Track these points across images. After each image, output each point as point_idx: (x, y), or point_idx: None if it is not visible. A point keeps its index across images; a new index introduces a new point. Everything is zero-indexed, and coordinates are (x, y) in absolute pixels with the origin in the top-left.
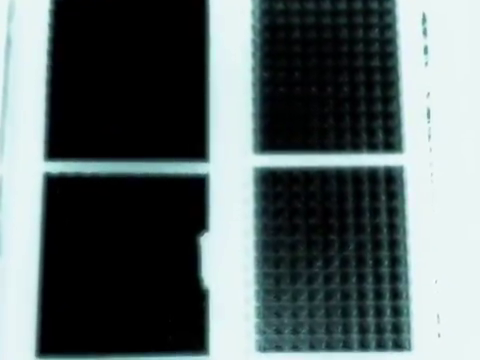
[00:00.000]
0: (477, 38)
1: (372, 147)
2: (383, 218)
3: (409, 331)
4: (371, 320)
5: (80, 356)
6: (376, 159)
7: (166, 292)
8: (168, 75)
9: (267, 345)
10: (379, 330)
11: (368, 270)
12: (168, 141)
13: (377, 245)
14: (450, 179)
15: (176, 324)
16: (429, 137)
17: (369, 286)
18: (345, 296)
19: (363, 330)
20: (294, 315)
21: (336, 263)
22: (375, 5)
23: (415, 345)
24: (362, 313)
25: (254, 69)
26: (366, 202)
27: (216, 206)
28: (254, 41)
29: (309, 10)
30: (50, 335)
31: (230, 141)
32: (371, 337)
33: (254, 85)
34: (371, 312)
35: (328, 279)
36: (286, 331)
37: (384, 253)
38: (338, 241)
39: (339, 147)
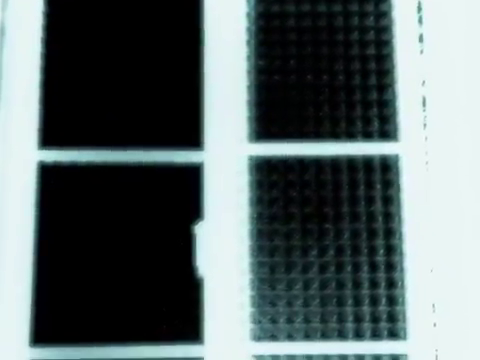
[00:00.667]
0: (472, 26)
1: (367, 135)
2: (378, 207)
3: (404, 320)
4: (366, 309)
5: (74, 346)
6: (371, 147)
7: (160, 281)
8: (163, 63)
9: (262, 334)
10: (374, 319)
11: (363, 259)
12: (163, 130)
13: (372, 234)
14: (445, 168)
15: (170, 313)
16: (424, 125)
17: (364, 275)
18: (340, 285)
19: (358, 319)
20: (289, 304)
21: (331, 252)
22: None
23: (410, 334)
24: (357, 302)
25: (249, 57)
26: (361, 191)
27: (211, 195)
28: (249, 29)
29: None
30: (44, 324)
31: (225, 130)
32: (366, 326)
33: (249, 73)
34: (366, 301)
35: (323, 268)
36: (281, 320)
37: (379, 242)
38: (333, 230)
39: (334, 135)
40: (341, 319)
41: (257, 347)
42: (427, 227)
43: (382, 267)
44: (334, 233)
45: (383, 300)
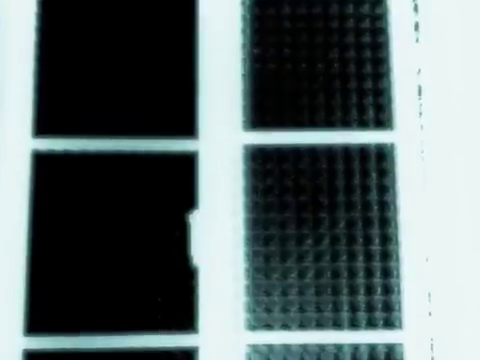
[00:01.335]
0: (468, 14)
1: (363, 124)
2: (374, 195)
3: (400, 309)
4: (362, 298)
5: (68, 335)
6: (367, 136)
7: (155, 271)
8: (157, 52)
9: (257, 323)
10: (370, 308)
11: (359, 248)
12: (157, 118)
13: (368, 223)
14: (441, 156)
15: (165, 302)
16: (420, 114)
17: (360, 264)
18: (335, 274)
19: (353, 308)
20: (284, 293)
21: (326, 241)
22: None
23: (406, 323)
24: (352, 291)
25: (244, 45)
26: (357, 179)
27: (205, 184)
28: (244, 17)
29: None
30: (38, 314)
31: (219, 118)
32: (362, 315)
33: (244, 61)
34: (362, 290)
35: (318, 257)
36: (276, 310)
37: (375, 231)
38: (328, 219)
39: (329, 124)
40: (336, 308)
41: (252, 336)
42: (423, 216)
43: (377, 256)
44: (329, 222)
45: (378, 289)
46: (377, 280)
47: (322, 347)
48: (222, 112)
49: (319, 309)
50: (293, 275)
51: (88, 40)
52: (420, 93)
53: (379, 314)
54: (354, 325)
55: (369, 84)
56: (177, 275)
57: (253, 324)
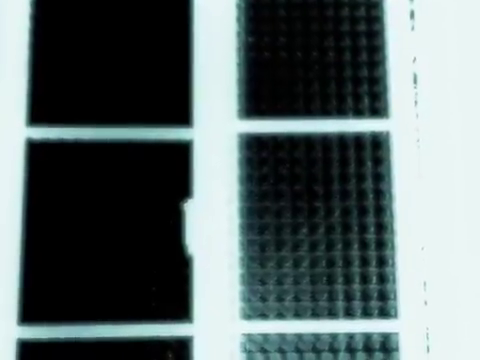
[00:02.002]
0: (463, 2)
1: (358, 112)
2: (369, 184)
3: (395, 298)
4: (357, 287)
5: (63, 324)
6: (362, 124)
7: (150, 259)
8: (152, 40)
9: (252, 313)
10: (365, 297)
11: (354, 237)
12: (152, 107)
13: (363, 211)
14: (436, 144)
15: (160, 292)
16: (415, 102)
17: (355, 253)
18: (331, 263)
19: (349, 297)
20: (279, 282)
21: (322, 230)
22: None
23: (401, 312)
24: (348, 280)
25: (239, 34)
26: (352, 168)
27: (200, 172)
28: (238, 5)
29: None
30: (32, 303)
31: (214, 107)
32: (357, 304)
33: (239, 50)
34: (357, 279)
35: (313, 246)
36: (271, 299)
37: (370, 219)
38: (324, 207)
39: (325, 112)
40: (332, 297)
41: (247, 326)
42: (418, 204)
43: (373, 245)
44: (324, 211)
45: (374, 278)
46: (372, 269)
47: (317, 336)
48: (217, 101)
49: (314, 298)
50: (288, 264)
51: (82, 28)
52: (416, 81)
53: (374, 303)
54: (349, 314)
55: (364, 72)
56: (172, 264)
57: (248, 313)
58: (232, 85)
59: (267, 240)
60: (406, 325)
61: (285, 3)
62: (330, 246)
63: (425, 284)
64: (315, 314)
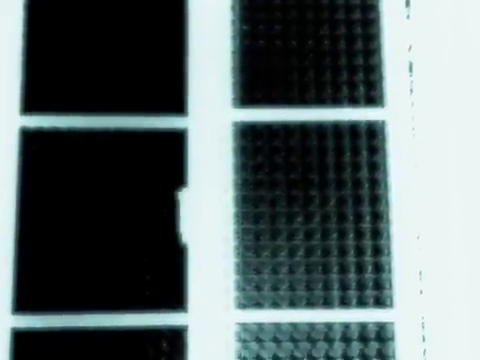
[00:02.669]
0: None
1: (353, 101)
2: (364, 173)
3: (391, 288)
4: (352, 276)
5: (57, 313)
6: (357, 113)
7: (144, 248)
8: (146, 28)
9: (246, 302)
10: (360, 287)
11: (349, 226)
12: (146, 95)
13: (358, 200)
14: (432, 133)
15: (154, 281)
16: (411, 91)
17: (350, 242)
18: (326, 252)
19: (344, 287)
20: (274, 272)
21: (317, 219)
22: None
23: (397, 302)
24: (343, 269)
25: (233, 22)
26: (347, 157)
27: (195, 161)
28: None
29: None
30: (26, 292)
31: (209, 95)
32: (352, 294)
33: (233, 38)
34: (352, 268)
35: (309, 235)
36: (266, 288)
37: (365, 208)
38: (319, 196)
39: (320, 101)
40: (327, 287)
41: (241, 315)
42: (413, 193)
43: (368, 234)
44: (320, 200)
45: (369, 267)
46: (368, 258)
47: (312, 326)
48: (212, 89)
49: (309, 287)
50: (283, 253)
51: (77, 17)
52: (411, 70)
53: (370, 292)
54: (345, 303)
55: (360, 61)
56: (166, 253)
57: (243, 302)
58: (227, 73)
59: (262, 229)
60: (401, 314)
61: None
62: (325, 235)
63: (420, 273)
64: (310, 303)
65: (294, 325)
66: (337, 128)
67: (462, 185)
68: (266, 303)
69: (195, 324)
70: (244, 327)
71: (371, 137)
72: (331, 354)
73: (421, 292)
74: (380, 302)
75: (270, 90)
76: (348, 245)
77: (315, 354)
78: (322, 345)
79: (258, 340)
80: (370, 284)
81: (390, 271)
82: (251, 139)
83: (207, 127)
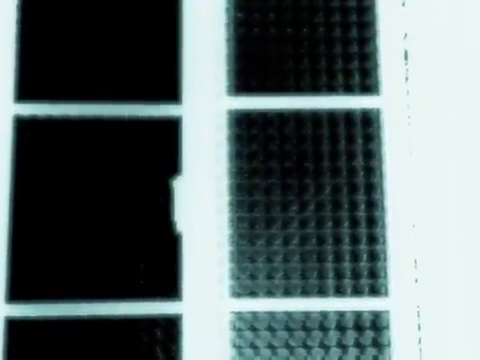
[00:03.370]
0: None
1: (348, 89)
2: (359, 161)
3: (386, 276)
4: (347, 265)
5: (51, 302)
6: (352, 101)
7: (138, 237)
8: (140, 16)
9: (241, 290)
10: (355, 275)
11: (344, 214)
12: (140, 83)
13: (353, 189)
14: (427, 121)
15: (148, 269)
16: (406, 79)
17: (345, 230)
18: (321, 241)
19: (339, 275)
20: (269, 260)
21: (312, 207)
22: None
23: (392, 290)
24: (338, 258)
25: (228, 9)
26: (342, 145)
27: (189, 149)
28: None
29: None
30: (20, 281)
31: (203, 83)
32: (347, 282)
33: (228, 26)
34: (347, 257)
35: (303, 223)
36: (260, 276)
37: (360, 197)
38: (313, 185)
39: (315, 89)
40: (322, 275)
41: (236, 303)
42: (409, 182)
43: (363, 222)
44: (314, 188)
45: (364, 256)
46: (363, 247)
47: (307, 314)
48: (206, 77)
49: (304, 276)
50: (278, 242)
51: (71, 4)
52: (406, 58)
53: (365, 281)
54: (340, 292)
55: (355, 48)
56: (160, 241)
57: (237, 291)
58: (221, 61)
59: (257, 217)
60: (397, 303)
61: None
62: (320, 224)
63: (416, 262)
64: (305, 292)
65: (289, 314)
66: (332, 116)
67: (458, 173)
68: (261, 292)
69: (189, 313)
70: (239, 316)
71: (366, 125)
72: (326, 343)
73: (416, 281)
74: (375, 291)
75: (265, 78)
76: (343, 233)
77: (310, 343)
78: (317, 334)
79: (253, 329)
80: (365, 273)
81: (385, 260)
82: (246, 127)
83: (201, 115)
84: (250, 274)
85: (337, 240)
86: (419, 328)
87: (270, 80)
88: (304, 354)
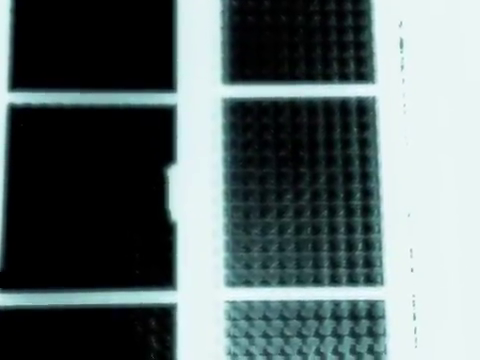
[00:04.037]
0: None
1: (344, 77)
2: (355, 150)
3: (381, 265)
4: (342, 254)
5: (44, 291)
6: (348, 90)
7: (133, 226)
8: (134, 4)
9: (236, 280)
10: (351, 264)
11: (339, 203)
12: (135, 71)
13: (349, 177)
14: (423, 110)
15: (143, 259)
16: (402, 67)
17: (341, 219)
18: (316, 230)
19: (334, 264)
20: (264, 249)
21: (307, 196)
22: None
23: (387, 280)
24: (333, 247)
25: None
26: (337, 134)
27: (184, 138)
28: None
29: None
30: (13, 270)
31: (198, 71)
32: (342, 272)
33: (223, 13)
34: (342, 246)
35: (299, 212)
36: (255, 266)
37: (356, 186)
38: (309, 173)
39: (310, 77)
40: (317, 264)
41: (231, 293)
42: (404, 170)
43: (359, 211)
44: (310, 177)
45: (360, 245)
46: (358, 236)
47: (302, 304)
48: (201, 65)
49: (299, 265)
50: (273, 231)
51: None
52: (402, 46)
53: (360, 270)
54: (335, 281)
55: (350, 37)
56: (155, 230)
57: (232, 280)
58: (216, 49)
59: (252, 206)
60: (392, 292)
61: None
62: (315, 212)
63: (411, 251)
64: (300, 281)
65: (284, 303)
66: (327, 104)
67: (453, 162)
68: (256, 281)
69: (184, 302)
70: (234, 305)
71: (361, 113)
72: (321, 332)
73: (412, 270)
74: (371, 280)
75: (260, 66)
76: (338, 222)
77: (305, 332)
78: (312, 323)
79: (248, 318)
80: (360, 262)
81: (381, 249)
82: (241, 116)
83: (196, 103)
84: (245, 263)
85: (332, 229)
86: (414, 317)
87: (265, 68)
88: (299, 343)
